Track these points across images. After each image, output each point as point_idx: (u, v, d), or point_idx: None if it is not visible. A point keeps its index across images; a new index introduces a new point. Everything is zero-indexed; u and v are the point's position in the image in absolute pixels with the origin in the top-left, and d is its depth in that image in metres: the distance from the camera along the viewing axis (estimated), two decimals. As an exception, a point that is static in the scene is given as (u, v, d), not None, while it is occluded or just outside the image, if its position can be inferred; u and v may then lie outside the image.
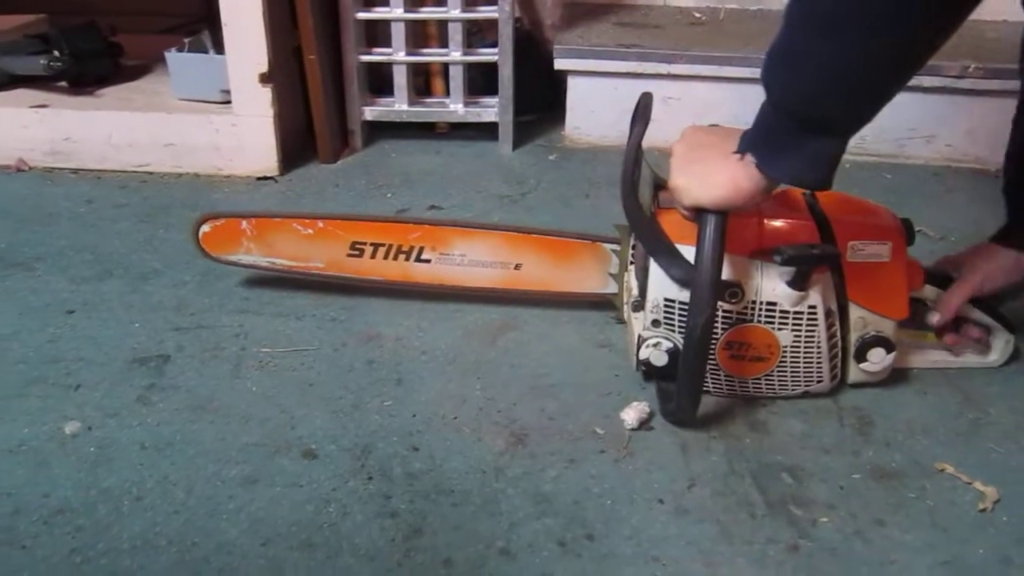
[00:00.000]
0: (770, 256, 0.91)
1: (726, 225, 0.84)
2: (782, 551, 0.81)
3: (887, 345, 0.97)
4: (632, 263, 1.04)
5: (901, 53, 0.73)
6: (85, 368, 1.06)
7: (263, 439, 0.94)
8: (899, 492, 0.88)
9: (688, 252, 0.88)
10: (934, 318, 1.03)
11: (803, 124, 0.78)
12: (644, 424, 0.96)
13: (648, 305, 0.95)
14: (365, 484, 0.88)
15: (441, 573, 0.78)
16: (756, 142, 0.83)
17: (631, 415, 0.96)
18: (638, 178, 0.98)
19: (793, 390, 0.99)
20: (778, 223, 0.94)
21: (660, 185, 1.01)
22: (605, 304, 1.14)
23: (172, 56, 1.65)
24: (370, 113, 1.73)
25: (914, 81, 0.78)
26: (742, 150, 0.83)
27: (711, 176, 0.85)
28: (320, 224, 1.12)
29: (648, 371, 0.98)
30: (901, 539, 0.83)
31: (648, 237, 0.93)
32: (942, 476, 0.90)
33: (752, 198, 0.84)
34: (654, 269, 0.93)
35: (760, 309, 0.93)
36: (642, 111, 0.97)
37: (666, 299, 0.94)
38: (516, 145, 1.75)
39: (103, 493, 0.87)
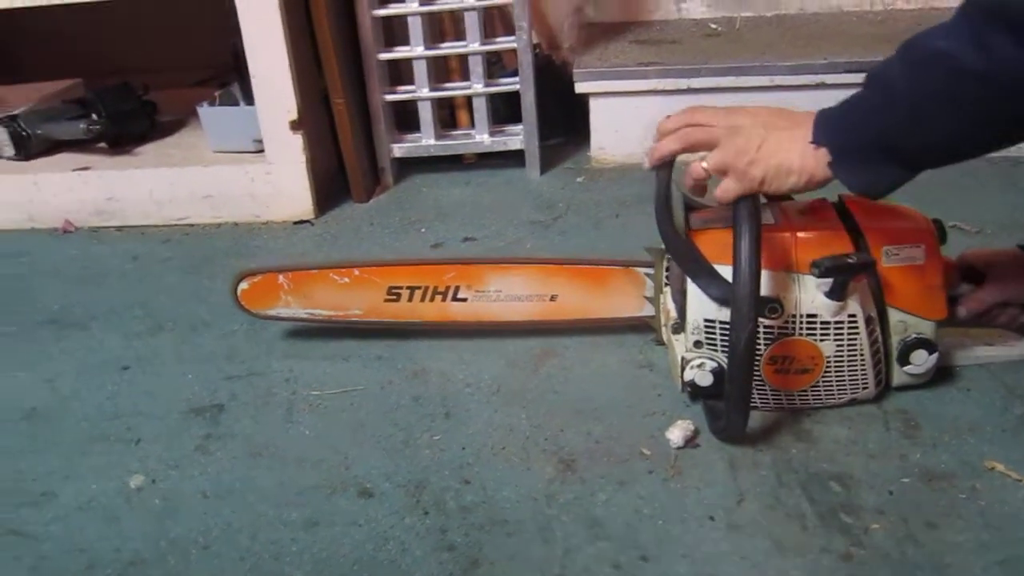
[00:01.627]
0: (807, 269, 0.92)
1: (761, 240, 0.85)
2: (835, 560, 0.82)
3: (929, 346, 0.98)
4: (667, 285, 1.05)
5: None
6: (144, 422, 1.09)
7: (320, 481, 0.97)
8: (949, 494, 0.89)
9: (725, 271, 0.89)
10: (961, 311, 1.03)
11: (893, 154, 0.81)
12: (690, 442, 0.98)
13: (688, 327, 0.96)
14: (421, 519, 0.90)
15: (501, 603, 0.80)
16: (839, 144, 0.84)
17: (677, 434, 0.97)
18: (671, 201, 1.00)
19: (840, 399, 1.00)
20: (811, 235, 0.95)
21: (691, 207, 1.02)
22: (643, 327, 1.16)
23: (204, 111, 1.70)
24: (399, 150, 1.77)
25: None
26: (820, 142, 0.84)
27: (786, 162, 0.86)
28: (356, 272, 1.15)
29: (693, 392, 0.99)
30: (954, 541, 0.83)
31: (685, 258, 0.95)
32: (992, 475, 0.90)
33: (814, 187, 0.86)
34: (692, 290, 0.95)
35: (801, 322, 0.94)
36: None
37: (706, 320, 0.95)
38: (544, 170, 1.78)
39: (171, 543, 0.90)
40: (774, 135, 0.87)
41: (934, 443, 0.95)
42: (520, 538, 0.87)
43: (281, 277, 1.18)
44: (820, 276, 0.91)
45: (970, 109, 0.75)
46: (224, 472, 1.00)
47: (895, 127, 0.80)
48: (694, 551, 0.84)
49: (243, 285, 1.19)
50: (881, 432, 0.98)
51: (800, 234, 0.95)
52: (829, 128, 0.85)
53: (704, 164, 0.91)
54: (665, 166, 0.99)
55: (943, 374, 1.05)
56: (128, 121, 1.78)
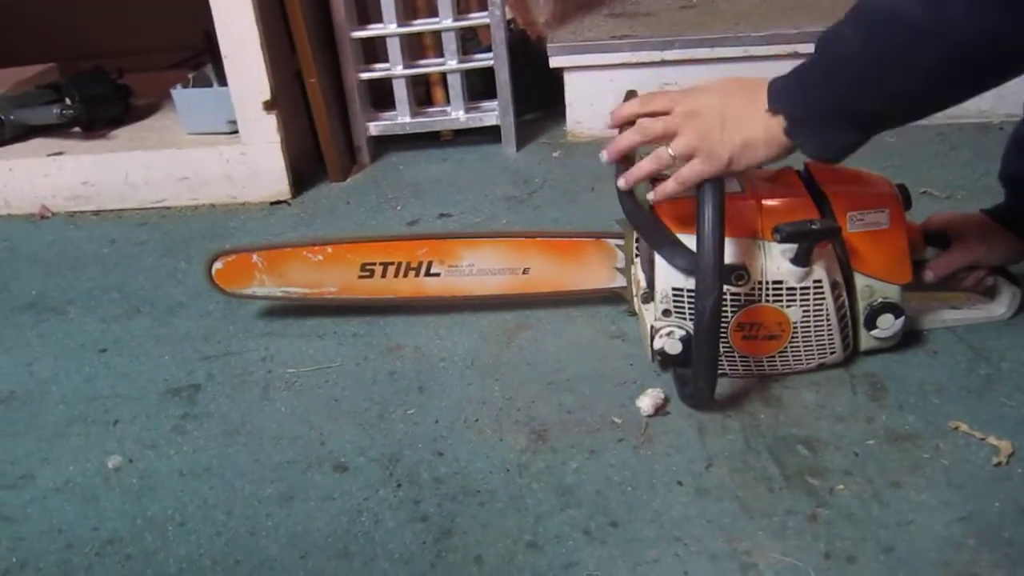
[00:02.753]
0: (772, 236, 0.93)
1: (724, 208, 0.86)
2: (801, 521, 0.84)
3: (895, 310, 0.99)
4: (637, 256, 1.06)
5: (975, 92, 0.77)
6: (122, 403, 1.10)
7: (295, 457, 0.98)
8: (914, 454, 0.90)
9: (690, 240, 0.90)
10: (928, 275, 1.04)
11: (848, 117, 0.81)
12: (660, 410, 0.99)
13: (657, 296, 0.97)
14: (395, 492, 0.91)
15: (472, 571, 0.82)
16: (794, 109, 0.83)
17: (647, 402, 0.99)
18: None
19: (808, 364, 1.01)
20: (775, 202, 0.96)
21: (656, 177, 1.03)
22: (615, 298, 1.17)
23: (178, 92, 1.69)
24: (375, 128, 1.77)
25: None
26: (775, 109, 0.84)
27: (750, 137, 0.85)
28: (329, 249, 1.16)
29: (664, 360, 1.00)
30: (917, 499, 0.85)
31: (649, 231, 0.96)
32: (956, 434, 0.92)
33: (782, 156, 0.86)
34: (660, 260, 0.96)
35: (767, 288, 0.96)
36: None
37: (674, 288, 0.96)
38: (520, 145, 1.78)
39: (148, 522, 0.91)
40: (732, 111, 0.86)
41: (900, 405, 0.97)
42: (492, 507, 0.88)
43: (255, 256, 1.18)
44: (781, 242, 0.92)
45: (922, 70, 0.75)
46: (200, 451, 1.01)
47: (849, 89, 0.80)
48: (662, 515, 0.85)
49: (217, 265, 1.19)
50: (848, 396, 0.99)
51: (765, 201, 0.96)
52: (784, 94, 0.84)
53: (671, 151, 0.89)
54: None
55: (910, 337, 1.06)
56: (102, 105, 1.78)
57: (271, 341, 1.20)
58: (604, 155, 0.95)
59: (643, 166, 0.92)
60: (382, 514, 0.89)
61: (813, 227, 0.93)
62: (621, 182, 0.95)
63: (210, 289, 1.20)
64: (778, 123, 0.84)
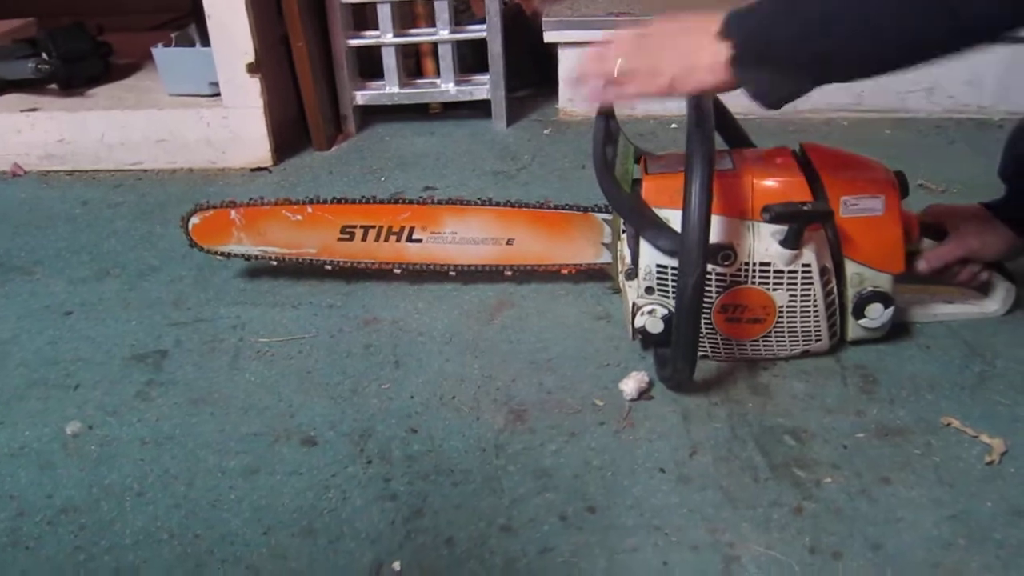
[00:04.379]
0: (762, 216, 0.90)
1: (712, 184, 0.82)
2: (786, 514, 0.80)
3: (885, 300, 0.96)
4: (624, 232, 1.03)
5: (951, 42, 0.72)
6: (84, 368, 1.06)
7: (262, 428, 0.94)
8: (904, 449, 0.87)
9: (675, 216, 0.86)
10: (921, 265, 1.01)
11: (795, 61, 0.77)
12: (644, 394, 0.95)
13: (641, 273, 0.94)
14: (365, 468, 0.88)
15: (443, 552, 0.78)
16: (743, 42, 0.77)
17: (630, 385, 0.95)
18: (612, 154, 0.97)
19: (792, 350, 0.98)
20: (768, 182, 0.92)
21: (644, 154, 1.00)
22: (601, 275, 1.13)
23: (159, 52, 1.64)
24: (362, 98, 1.72)
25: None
26: (725, 34, 0.78)
27: (695, 58, 0.79)
28: (309, 210, 1.12)
29: (645, 339, 0.97)
30: (907, 496, 0.82)
31: (630, 213, 0.92)
32: (948, 431, 0.89)
33: (722, 88, 0.80)
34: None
35: (754, 270, 0.92)
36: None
37: (658, 265, 0.93)
38: (510, 122, 1.74)
39: (105, 491, 0.87)
40: (683, 34, 0.81)
41: (891, 399, 0.94)
42: (466, 488, 0.85)
43: (233, 213, 1.14)
44: (771, 222, 0.89)
45: (877, 19, 0.71)
46: (164, 419, 0.96)
47: (799, 31, 0.75)
48: (642, 503, 0.82)
49: (194, 220, 1.15)
50: (839, 387, 0.96)
51: (756, 181, 0.92)
52: (735, 24, 0.78)
53: (617, 64, 0.83)
54: (604, 117, 0.96)
55: (903, 330, 1.03)
56: (80, 62, 1.72)
57: (244, 309, 1.16)
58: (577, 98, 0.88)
59: (592, 73, 0.86)
60: (350, 491, 0.85)
61: (804, 209, 0.89)
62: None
63: (183, 254, 1.16)
64: (725, 51, 0.77)
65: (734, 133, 1.05)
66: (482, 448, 0.90)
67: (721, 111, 1.01)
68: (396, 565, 0.77)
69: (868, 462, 0.86)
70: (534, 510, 0.82)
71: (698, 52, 0.79)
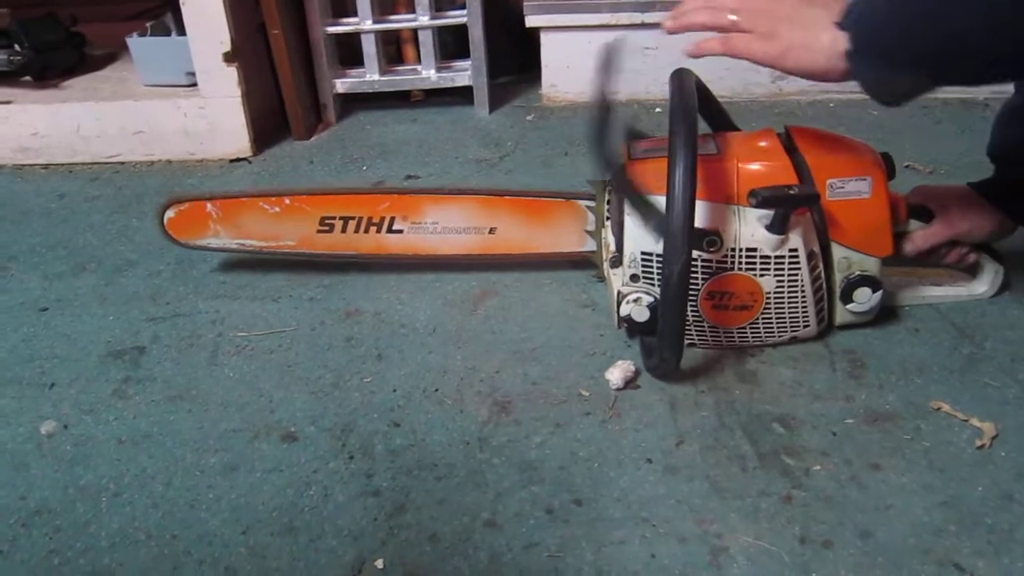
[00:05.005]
0: (748, 201, 0.88)
1: (696, 167, 0.81)
2: (775, 503, 0.79)
3: (873, 284, 0.95)
4: (608, 219, 1.01)
5: None
6: (60, 365, 1.03)
7: (242, 425, 0.92)
8: (894, 435, 0.86)
9: (659, 202, 0.85)
10: (908, 247, 1.00)
11: (914, 56, 0.74)
12: (630, 383, 0.94)
13: (626, 260, 0.92)
14: (346, 464, 0.86)
15: (426, 549, 0.76)
16: (861, 32, 0.75)
17: (616, 375, 0.94)
18: (609, 127, 0.94)
19: (780, 337, 0.96)
20: (754, 166, 0.91)
21: (633, 135, 0.98)
22: (585, 263, 1.11)
23: (134, 41, 1.61)
24: (342, 85, 1.70)
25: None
26: (844, 25, 0.75)
27: (812, 38, 0.77)
28: (287, 201, 1.09)
29: (631, 328, 0.95)
30: (897, 482, 0.81)
31: (623, 186, 0.90)
32: (938, 415, 0.88)
33: (833, 77, 0.78)
34: (629, 223, 0.90)
35: (740, 256, 0.91)
36: (606, 60, 0.94)
37: (643, 253, 0.91)
38: (493, 108, 1.72)
39: (81, 491, 0.85)
40: (806, 10, 0.78)
41: (880, 384, 0.93)
42: (450, 482, 0.83)
43: (209, 205, 1.11)
44: (757, 207, 0.87)
45: (983, 13, 0.67)
46: (141, 417, 0.94)
47: (910, 25, 0.72)
48: (629, 494, 0.81)
49: (170, 214, 1.13)
50: (827, 373, 0.95)
51: (741, 164, 0.90)
52: (854, 16, 0.75)
53: (731, 16, 0.80)
54: (602, 91, 0.93)
55: (891, 314, 1.02)
56: (54, 53, 1.69)
57: (223, 303, 1.14)
58: (666, 24, 0.85)
59: (697, 12, 0.83)
60: (332, 487, 0.83)
61: (791, 193, 0.88)
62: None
63: (161, 248, 1.14)
64: (843, 41, 0.75)
65: (718, 116, 1.03)
66: (466, 441, 0.88)
67: (704, 93, 0.99)
68: (379, 563, 0.75)
69: (858, 448, 0.84)
70: (519, 504, 0.80)
71: (818, 32, 0.76)
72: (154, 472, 0.87)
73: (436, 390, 0.95)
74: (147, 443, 0.90)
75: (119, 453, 0.89)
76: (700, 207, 0.86)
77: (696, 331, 0.96)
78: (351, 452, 0.87)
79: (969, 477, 0.81)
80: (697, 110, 0.86)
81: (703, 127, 0.97)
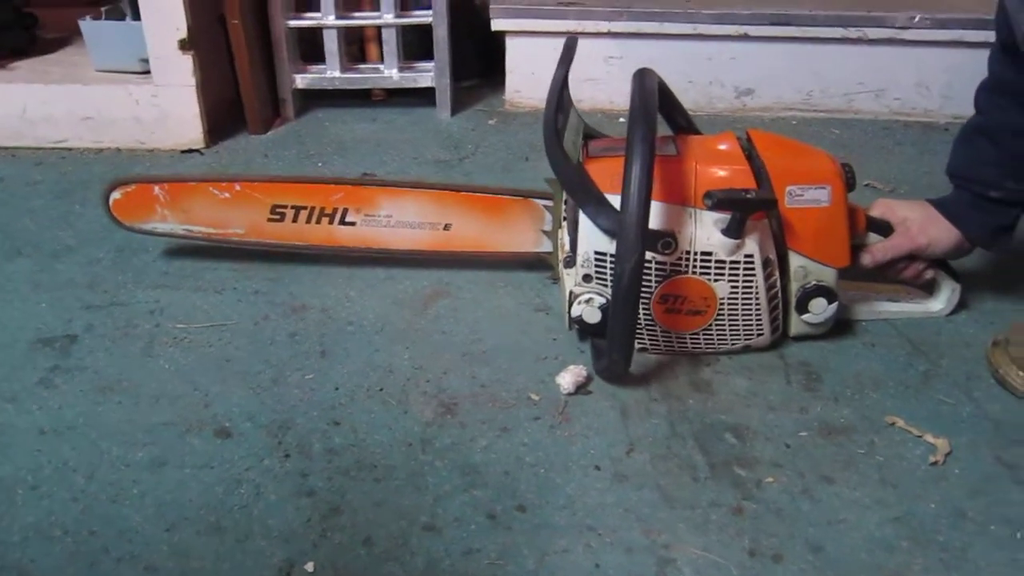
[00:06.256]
0: (705, 204, 0.86)
1: (652, 166, 0.78)
2: (726, 514, 0.77)
3: (829, 295, 0.93)
4: (565, 219, 0.98)
5: None
6: (-16, 352, 0.98)
7: (174, 419, 0.88)
8: (848, 448, 0.84)
9: (615, 202, 0.82)
10: (866, 259, 0.98)
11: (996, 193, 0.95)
12: (582, 388, 0.91)
13: (579, 260, 0.89)
14: (281, 462, 0.82)
15: (360, 552, 0.73)
16: (950, 211, 0.99)
17: (567, 379, 0.91)
18: (563, 126, 0.92)
19: (733, 344, 0.94)
20: (712, 169, 0.89)
21: (590, 135, 0.95)
22: (541, 265, 1.09)
23: (87, 24, 1.56)
24: (301, 81, 1.66)
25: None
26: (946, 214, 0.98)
27: (947, 234, 0.98)
28: (237, 187, 1.06)
29: (582, 329, 0.93)
30: (850, 496, 0.79)
31: (575, 185, 0.88)
32: (892, 430, 0.86)
33: (964, 251, 1.01)
34: (584, 222, 0.88)
35: (695, 259, 0.88)
36: (565, 54, 0.91)
37: (597, 252, 0.88)
38: (455, 111, 1.69)
39: (-5, 483, 0.80)
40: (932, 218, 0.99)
41: (835, 397, 0.91)
42: (389, 484, 0.80)
43: (157, 188, 1.07)
44: (712, 208, 0.85)
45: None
46: (67, 407, 0.89)
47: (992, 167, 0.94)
48: (575, 501, 0.78)
49: (115, 195, 1.08)
50: (782, 384, 0.93)
51: (700, 166, 0.88)
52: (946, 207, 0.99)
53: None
54: (556, 89, 0.91)
55: (847, 328, 1.01)
56: (2, 34, 1.63)
57: (164, 293, 1.09)
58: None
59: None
60: (264, 486, 0.79)
61: (747, 196, 0.86)
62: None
63: (103, 235, 1.09)
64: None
65: (680, 119, 1.01)
66: (408, 443, 0.84)
67: (666, 95, 0.97)
68: (309, 566, 0.72)
69: (811, 461, 0.82)
70: (460, 508, 0.77)
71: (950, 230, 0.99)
72: (76, 465, 0.82)
73: (380, 389, 0.92)
74: (71, 434, 0.86)
75: (40, 444, 0.85)
76: (656, 208, 0.83)
77: (648, 335, 0.93)
78: (287, 450, 0.83)
79: (922, 493, 0.79)
80: (657, 109, 0.84)
81: (665, 130, 0.95)
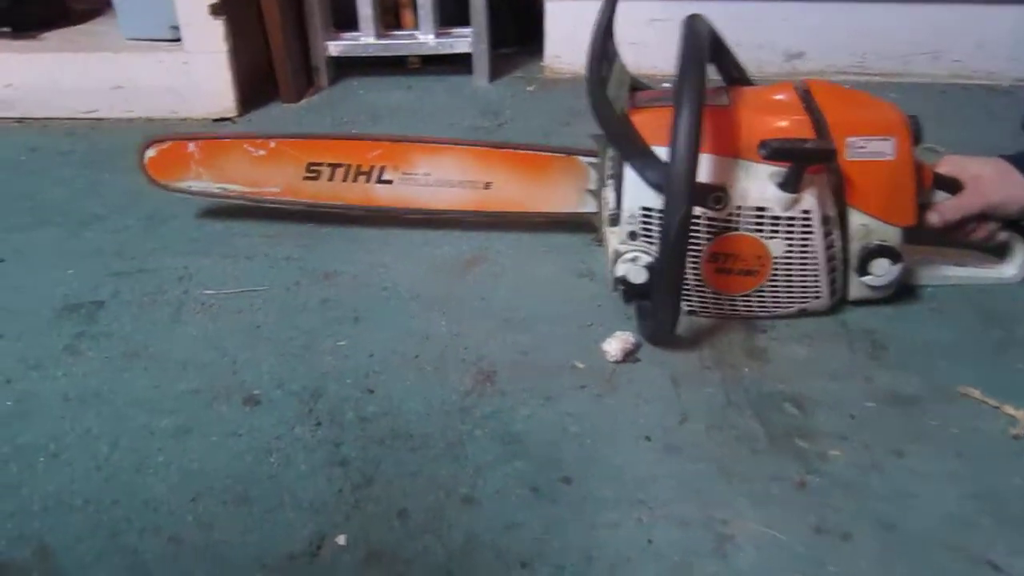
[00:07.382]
0: (758, 156, 0.80)
1: (702, 115, 0.72)
2: (788, 488, 0.71)
3: (892, 255, 0.86)
4: (610, 177, 0.93)
5: None
6: (8, 318, 0.95)
7: (201, 386, 0.84)
8: (919, 420, 0.78)
9: (663, 155, 0.77)
10: (933, 218, 0.91)
11: None
12: (630, 356, 0.86)
13: (624, 216, 0.84)
14: (312, 431, 0.78)
15: (394, 525, 0.68)
16: None
17: (614, 346, 0.85)
18: (607, 75, 0.86)
19: (788, 308, 0.88)
20: (767, 119, 0.83)
21: (637, 87, 0.89)
22: (585, 226, 1.03)
23: (116, -9, 1.53)
24: (335, 48, 1.61)
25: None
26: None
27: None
28: (272, 144, 1.02)
29: (627, 290, 0.87)
30: (923, 471, 0.72)
31: (620, 137, 0.82)
32: (966, 401, 0.80)
33: None
34: (629, 175, 0.82)
35: (748, 215, 0.82)
36: (607, 2, 0.86)
37: (643, 208, 0.83)
38: (493, 78, 1.63)
39: (17, 450, 0.77)
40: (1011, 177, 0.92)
41: (903, 365, 0.85)
42: (425, 454, 0.75)
43: (191, 145, 1.05)
44: (767, 159, 0.79)
45: None
46: (92, 374, 0.86)
47: None
48: (625, 473, 0.73)
49: (150, 152, 1.06)
50: (844, 352, 0.87)
51: (754, 116, 0.82)
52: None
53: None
54: (601, 32, 0.86)
55: (910, 294, 0.94)
56: (34, 3, 1.60)
57: (193, 260, 1.05)
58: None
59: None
60: (294, 455, 0.75)
61: (806, 146, 0.80)
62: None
63: (133, 203, 1.06)
64: None
65: (734, 71, 0.95)
66: (446, 411, 0.80)
67: (719, 44, 0.91)
68: (341, 539, 0.67)
69: (879, 434, 0.76)
70: (501, 480, 0.72)
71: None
72: (100, 432, 0.78)
73: (416, 356, 0.87)
74: (96, 401, 0.82)
75: (64, 411, 0.81)
76: (707, 160, 0.78)
77: (696, 297, 0.87)
78: (318, 418, 0.79)
79: (1003, 468, 0.73)
80: (707, 55, 0.78)
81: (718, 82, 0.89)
